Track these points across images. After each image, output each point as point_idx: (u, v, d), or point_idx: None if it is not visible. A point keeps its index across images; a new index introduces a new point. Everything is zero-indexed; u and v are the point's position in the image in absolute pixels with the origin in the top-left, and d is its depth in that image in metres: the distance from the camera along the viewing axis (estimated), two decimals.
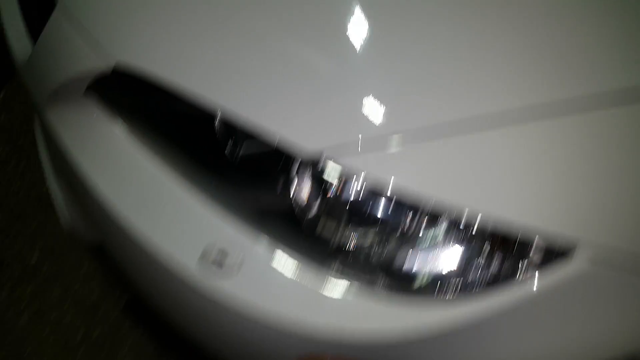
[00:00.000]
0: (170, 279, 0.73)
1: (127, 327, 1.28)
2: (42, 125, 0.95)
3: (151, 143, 0.77)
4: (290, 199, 0.67)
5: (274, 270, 0.68)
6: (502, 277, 0.64)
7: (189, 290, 0.71)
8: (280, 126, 0.65)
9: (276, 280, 0.68)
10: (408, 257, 0.67)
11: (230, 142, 0.69)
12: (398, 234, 0.66)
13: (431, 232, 0.65)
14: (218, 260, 0.69)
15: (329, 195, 0.65)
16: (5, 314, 1.24)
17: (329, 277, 0.68)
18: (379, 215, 0.65)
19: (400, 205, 0.64)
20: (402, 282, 0.67)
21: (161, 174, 0.75)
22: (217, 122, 0.69)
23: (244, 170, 0.70)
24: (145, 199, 0.74)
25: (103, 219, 0.79)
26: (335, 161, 0.63)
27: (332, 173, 0.64)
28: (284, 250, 0.69)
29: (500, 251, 0.64)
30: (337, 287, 0.67)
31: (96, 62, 0.72)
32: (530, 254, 0.63)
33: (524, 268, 0.63)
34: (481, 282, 0.65)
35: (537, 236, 0.62)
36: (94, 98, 0.79)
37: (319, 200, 0.66)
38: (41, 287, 1.30)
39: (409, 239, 0.66)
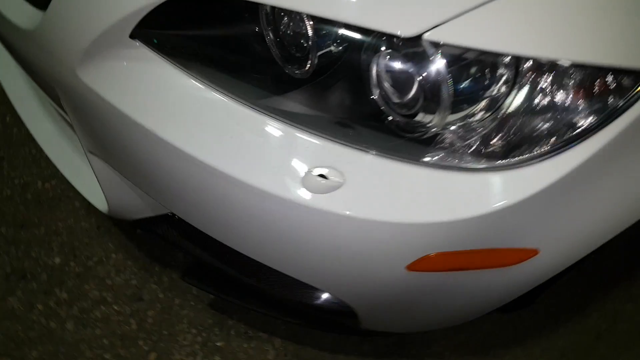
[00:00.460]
0: (272, 206, 0.70)
1: (177, 304, 1.24)
2: (67, 98, 0.84)
3: (213, 77, 0.72)
4: (384, 91, 0.66)
5: (379, 175, 0.67)
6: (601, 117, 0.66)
7: (296, 212, 0.69)
8: (372, 14, 0.61)
9: (382, 186, 0.67)
10: (517, 123, 0.66)
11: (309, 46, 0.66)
12: (508, 99, 0.65)
13: (535, 88, 0.64)
14: (322, 174, 0.68)
15: (429, 79, 0.63)
16: (49, 326, 1.17)
17: (433, 171, 0.67)
18: (484, 86, 0.64)
19: (502, 71, 0.64)
20: (514, 148, 0.67)
21: (231, 104, 0.71)
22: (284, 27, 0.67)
23: (323, 78, 0.69)
24: (221, 134, 0.70)
25: (174, 175, 0.74)
26: (435, 42, 0.61)
27: (434, 53, 0.62)
28: (380, 153, 0.67)
29: (590, 94, 0.65)
30: (440, 179, 0.67)
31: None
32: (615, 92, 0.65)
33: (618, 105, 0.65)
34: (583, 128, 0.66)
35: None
36: (136, 43, 0.72)
37: (415, 88, 0.64)
38: (74, 288, 1.22)
39: (515, 104, 0.65)
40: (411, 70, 0.63)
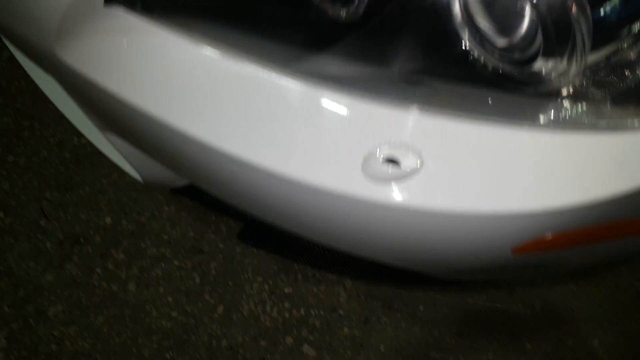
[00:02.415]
0: (325, 202, 0.54)
1: (239, 253, 1.16)
2: (58, 79, 0.72)
3: (227, 38, 0.54)
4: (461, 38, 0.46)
5: (476, 149, 0.49)
6: None
7: (357, 207, 0.53)
8: None
9: (482, 164, 0.49)
10: None
11: None
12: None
13: None
14: (390, 158, 0.49)
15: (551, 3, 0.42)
16: (111, 290, 1.13)
17: (558, 136, 0.49)
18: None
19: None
20: None
21: (256, 72, 0.52)
22: None
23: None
24: (248, 115, 0.53)
25: (199, 164, 0.60)
26: None
27: None
28: (476, 118, 0.49)
29: None
30: (571, 145, 0.48)
31: None
32: None
33: None
34: None
35: None
36: (116, 10, 0.55)
37: (527, 19, 0.43)
38: (131, 247, 1.16)
39: None
40: None
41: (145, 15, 0.55)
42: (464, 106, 0.49)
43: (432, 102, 0.49)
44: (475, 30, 0.45)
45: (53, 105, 1.20)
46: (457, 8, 0.45)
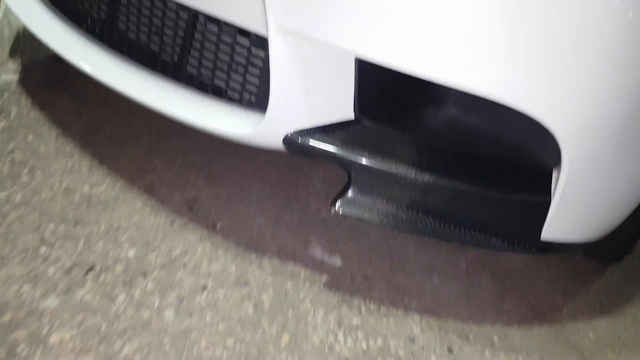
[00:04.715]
0: None
1: (291, 287, 0.99)
2: None
3: None
4: None
5: None
6: None
7: None
8: None
9: None
10: None
11: None
12: None
13: None
14: None
15: None
16: (141, 317, 0.84)
17: None
18: None
19: None
20: None
21: None
22: None
23: None
24: None
25: None
26: None
27: None
28: None
29: None
30: None
31: None
32: None
33: None
34: None
35: None
36: None
37: None
38: (162, 278, 0.92)
39: None
40: None
41: None
42: None
43: None
44: None
45: (59, 162, 1.11)
46: None
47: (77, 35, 1.11)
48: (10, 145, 1.14)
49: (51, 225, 0.97)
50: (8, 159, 1.10)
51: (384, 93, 0.92)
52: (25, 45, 1.56)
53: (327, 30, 0.80)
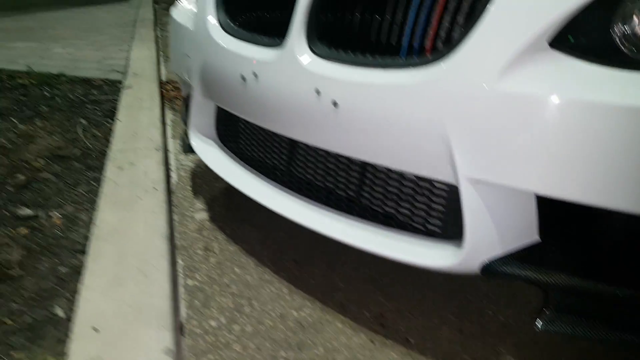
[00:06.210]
0: None
1: None
2: None
3: None
4: None
5: None
6: None
7: None
8: None
9: None
10: None
11: None
12: None
13: None
14: None
15: None
16: None
17: None
18: None
19: None
20: None
21: None
22: None
23: None
24: None
25: None
26: None
27: None
28: None
29: None
30: None
31: None
32: None
33: None
34: None
35: None
36: None
37: None
38: None
39: None
40: None
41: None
42: None
43: None
44: None
45: (265, 289, 1.32)
46: None
47: (260, 179, 1.36)
48: (225, 280, 1.36)
49: (282, 352, 1.16)
50: (229, 292, 1.32)
51: (564, 217, 1.06)
52: (202, 184, 1.84)
53: (513, 178, 0.97)
